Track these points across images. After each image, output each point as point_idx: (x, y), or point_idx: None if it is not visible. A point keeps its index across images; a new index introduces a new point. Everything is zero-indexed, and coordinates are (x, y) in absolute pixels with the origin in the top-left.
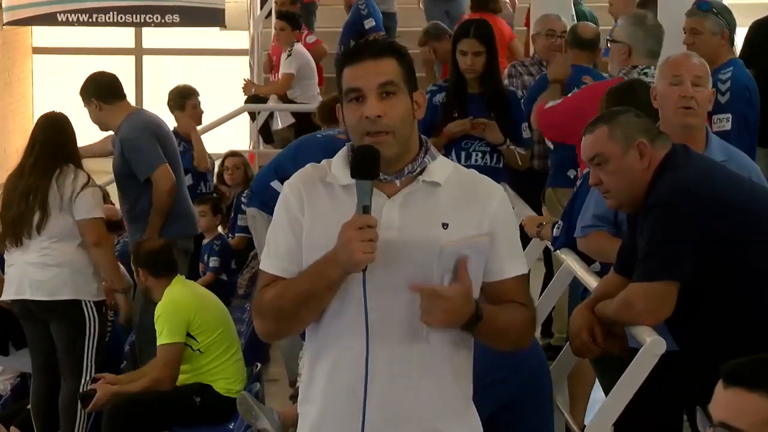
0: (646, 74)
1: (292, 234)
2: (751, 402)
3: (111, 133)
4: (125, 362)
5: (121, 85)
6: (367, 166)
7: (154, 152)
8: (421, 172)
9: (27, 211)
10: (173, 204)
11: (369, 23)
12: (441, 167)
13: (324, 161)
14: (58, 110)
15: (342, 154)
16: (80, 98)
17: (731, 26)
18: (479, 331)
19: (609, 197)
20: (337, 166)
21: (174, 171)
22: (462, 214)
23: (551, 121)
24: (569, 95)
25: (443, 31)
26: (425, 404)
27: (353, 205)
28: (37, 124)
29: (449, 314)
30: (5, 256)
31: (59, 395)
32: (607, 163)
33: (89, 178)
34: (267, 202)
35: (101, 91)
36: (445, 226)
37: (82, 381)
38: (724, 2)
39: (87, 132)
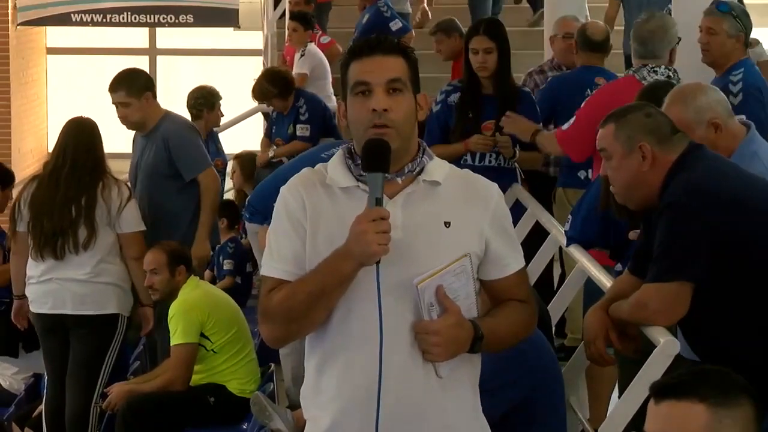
0: (656, 72)
1: (296, 236)
2: (681, 410)
3: None
4: (138, 363)
5: None
6: (378, 159)
7: (202, 151)
8: (420, 172)
9: (71, 225)
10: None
11: (395, 25)
12: (439, 167)
13: (319, 165)
14: (84, 115)
15: (339, 157)
16: (122, 94)
17: (747, 29)
18: (483, 347)
19: (615, 191)
20: (335, 169)
21: None
22: (463, 212)
23: (571, 143)
24: (578, 110)
25: (455, 29)
26: (438, 404)
27: (354, 208)
28: (67, 130)
29: (447, 346)
30: (36, 266)
31: (66, 409)
32: (610, 159)
33: (129, 189)
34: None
35: (152, 85)
36: (447, 224)
37: (95, 394)
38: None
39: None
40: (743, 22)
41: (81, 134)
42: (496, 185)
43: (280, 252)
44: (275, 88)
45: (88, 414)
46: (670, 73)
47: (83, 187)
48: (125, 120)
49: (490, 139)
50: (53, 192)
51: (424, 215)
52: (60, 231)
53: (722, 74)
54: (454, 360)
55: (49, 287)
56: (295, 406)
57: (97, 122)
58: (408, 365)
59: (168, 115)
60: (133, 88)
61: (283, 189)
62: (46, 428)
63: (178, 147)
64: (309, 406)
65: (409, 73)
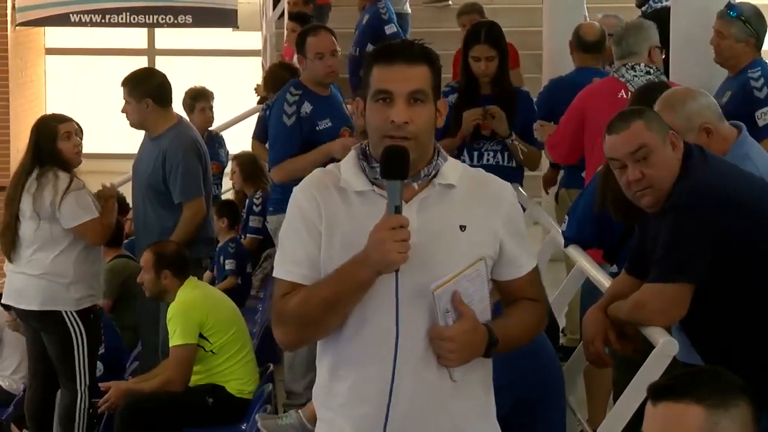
0: (634, 69)
1: (310, 240)
2: (679, 411)
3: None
4: (137, 364)
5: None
6: (398, 166)
7: (197, 179)
8: (435, 175)
9: (12, 222)
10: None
11: (390, 29)
12: (453, 168)
13: (332, 165)
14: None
15: (352, 159)
16: (126, 91)
17: (759, 33)
18: (497, 350)
19: (648, 194)
20: (349, 171)
21: (205, 193)
22: (477, 214)
23: (555, 147)
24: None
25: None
26: (450, 407)
27: (369, 212)
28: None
29: (462, 352)
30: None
31: (57, 403)
32: (651, 154)
33: (72, 180)
34: None
35: (157, 93)
36: (462, 228)
37: (78, 390)
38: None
39: (95, 134)
40: (753, 26)
41: (30, 133)
42: (509, 185)
43: (294, 254)
44: (290, 75)
45: (73, 411)
46: (650, 70)
47: (20, 185)
48: (126, 116)
49: (479, 110)
50: (12, 191)
51: (439, 219)
52: (5, 229)
53: (736, 74)
54: (468, 363)
55: (6, 280)
56: (290, 392)
57: (93, 121)
58: (422, 369)
59: (176, 128)
60: (134, 91)
61: (296, 190)
62: (27, 420)
63: (171, 171)
64: (321, 407)
65: (432, 82)
